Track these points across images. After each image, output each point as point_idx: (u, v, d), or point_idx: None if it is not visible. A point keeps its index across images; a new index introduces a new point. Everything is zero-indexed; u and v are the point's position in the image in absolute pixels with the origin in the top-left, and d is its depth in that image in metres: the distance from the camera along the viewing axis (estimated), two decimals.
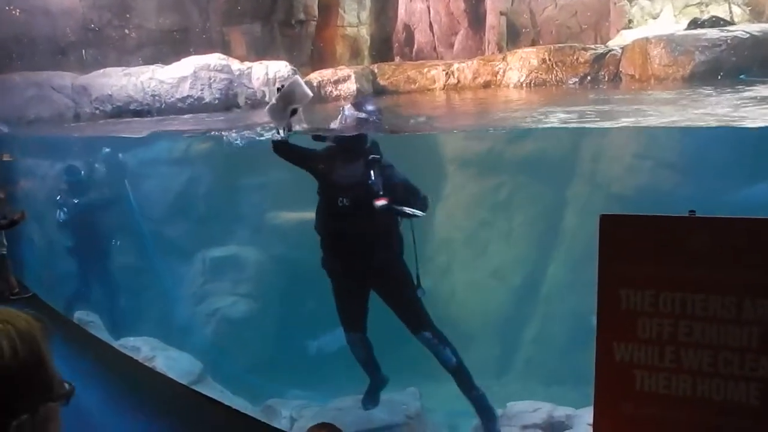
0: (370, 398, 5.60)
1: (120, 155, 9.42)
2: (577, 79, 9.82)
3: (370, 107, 5.06)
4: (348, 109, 5.00)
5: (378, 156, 4.82)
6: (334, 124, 5.11)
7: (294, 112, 4.66)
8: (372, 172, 4.72)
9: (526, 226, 8.48)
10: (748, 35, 8.72)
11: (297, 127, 4.81)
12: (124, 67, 10.12)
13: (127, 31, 11.01)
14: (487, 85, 10.44)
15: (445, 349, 5.16)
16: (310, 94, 4.75)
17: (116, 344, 7.12)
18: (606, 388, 2.13)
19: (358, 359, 5.42)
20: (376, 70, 11.22)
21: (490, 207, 8.69)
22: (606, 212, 2.16)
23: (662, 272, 2.08)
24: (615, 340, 2.12)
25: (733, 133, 6.72)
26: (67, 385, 1.37)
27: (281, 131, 4.79)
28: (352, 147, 4.91)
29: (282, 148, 4.88)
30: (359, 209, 4.75)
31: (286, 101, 4.61)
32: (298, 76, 5.05)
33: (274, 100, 4.67)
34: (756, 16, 10.93)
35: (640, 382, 2.09)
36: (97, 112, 9.85)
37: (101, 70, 10.13)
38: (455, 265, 8.71)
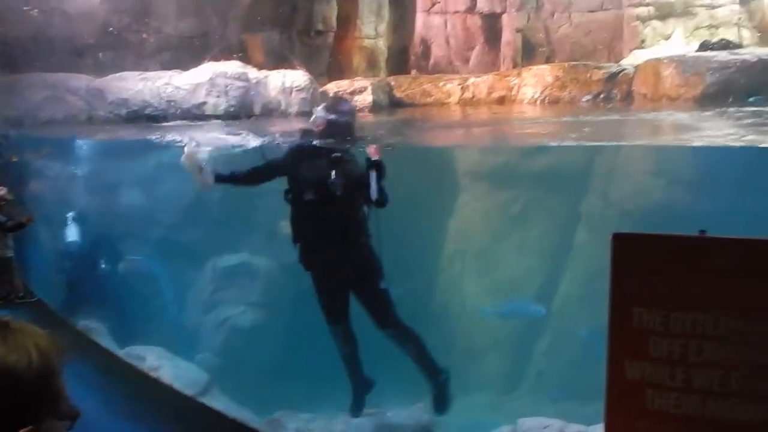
0: (356, 404, 5.72)
1: (133, 160, 9.46)
2: (590, 97, 9.85)
3: (342, 109, 5.38)
4: (319, 111, 5.32)
5: (339, 154, 5.14)
6: (307, 125, 5.50)
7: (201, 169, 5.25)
8: (334, 170, 5.06)
9: (539, 240, 8.48)
10: (756, 58, 8.80)
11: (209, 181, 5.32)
12: (140, 72, 10.17)
13: (145, 35, 11.07)
14: (501, 100, 10.47)
15: (408, 344, 5.46)
16: (200, 161, 5.26)
17: (121, 353, 7.03)
18: (617, 406, 2.14)
19: (341, 355, 5.59)
20: (392, 83, 11.28)
21: (503, 220, 8.70)
22: (618, 229, 2.18)
23: (673, 291, 2.09)
24: (626, 357, 2.13)
25: (743, 153, 6.73)
26: (73, 408, 1.41)
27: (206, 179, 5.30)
28: (316, 147, 5.27)
29: (224, 181, 5.43)
30: (324, 204, 5.11)
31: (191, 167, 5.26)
32: (193, 145, 5.41)
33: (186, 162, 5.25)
34: (765, 39, 10.95)
35: (651, 400, 2.09)
36: (111, 115, 9.89)
37: (117, 74, 10.16)
38: (468, 277, 8.71)
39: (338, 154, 5.14)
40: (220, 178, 5.42)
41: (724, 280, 2.04)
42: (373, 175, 5.00)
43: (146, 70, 10.27)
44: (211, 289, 8.78)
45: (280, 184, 5.52)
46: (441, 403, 5.67)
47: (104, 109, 9.89)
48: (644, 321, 2.11)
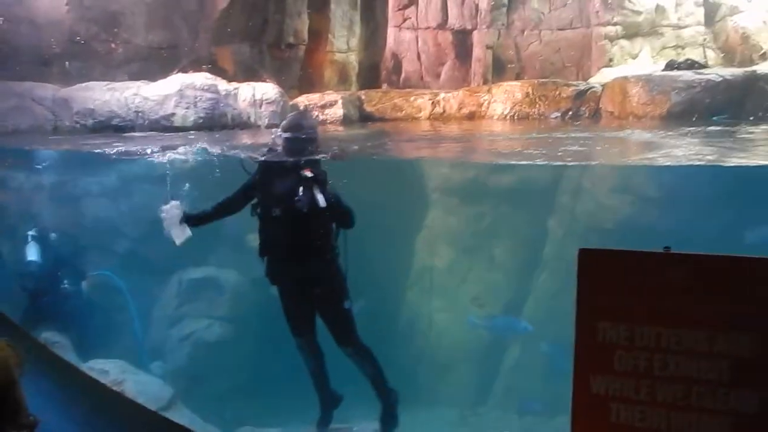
0: (324, 419, 5.74)
1: (98, 171, 9.32)
2: (558, 114, 9.98)
3: (301, 126, 5.44)
4: (277, 131, 5.48)
5: (310, 173, 5.18)
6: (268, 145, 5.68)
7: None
8: (301, 187, 5.13)
9: (507, 255, 8.54)
10: (721, 78, 9.00)
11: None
12: (108, 82, 10.05)
13: (114, 45, 10.93)
14: (471, 116, 10.55)
15: (366, 364, 5.57)
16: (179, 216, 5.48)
17: (84, 366, 6.94)
18: (582, 421, 2.15)
19: (308, 369, 5.63)
20: (363, 97, 11.29)
21: (471, 235, 8.75)
22: (584, 245, 2.19)
23: (638, 306, 2.11)
24: (591, 372, 2.15)
25: (706, 171, 6.87)
26: (32, 418, 1.37)
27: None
28: (283, 164, 5.33)
29: (202, 222, 5.61)
30: (291, 220, 5.18)
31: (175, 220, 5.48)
32: (171, 202, 5.57)
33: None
34: (728, 60, 11.23)
35: (615, 414, 2.11)
36: (78, 126, 9.73)
37: (84, 84, 10.03)
38: (436, 292, 8.73)
39: (307, 173, 5.17)
40: (197, 221, 5.57)
41: (688, 296, 2.07)
42: (316, 189, 5.12)
43: (113, 80, 10.15)
44: (177, 302, 8.68)
45: None
46: (389, 422, 5.72)
47: (70, 119, 9.73)
48: (610, 335, 2.13)
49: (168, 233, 5.54)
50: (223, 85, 9.88)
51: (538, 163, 7.63)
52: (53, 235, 8.64)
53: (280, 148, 5.40)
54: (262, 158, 5.61)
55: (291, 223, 5.20)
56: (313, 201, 5.11)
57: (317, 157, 5.45)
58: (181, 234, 5.50)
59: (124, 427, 5.33)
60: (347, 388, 5.85)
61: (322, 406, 5.72)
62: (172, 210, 5.49)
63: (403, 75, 12.73)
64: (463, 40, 12.28)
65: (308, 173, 5.17)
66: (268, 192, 5.35)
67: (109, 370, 6.87)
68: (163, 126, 9.56)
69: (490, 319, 8.01)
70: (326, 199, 5.13)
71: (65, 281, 8.60)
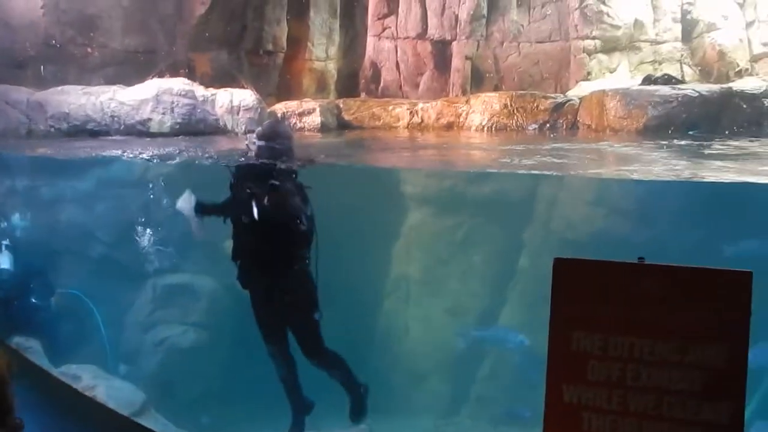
0: (296, 425, 5.74)
1: (73, 175, 9.20)
2: (536, 126, 10.04)
3: (276, 134, 5.47)
4: (252, 137, 5.46)
5: (277, 183, 5.16)
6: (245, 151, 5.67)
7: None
8: (268, 195, 5.13)
9: (482, 266, 8.56)
10: (697, 94, 9.13)
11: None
12: (83, 86, 9.95)
13: (89, 49, 10.84)
14: (450, 126, 10.59)
15: (334, 371, 5.64)
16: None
17: (56, 372, 6.86)
18: (554, 430, 2.15)
19: (279, 376, 5.63)
20: (341, 105, 11.30)
21: (447, 245, 8.76)
22: (560, 256, 2.20)
23: (612, 316, 2.12)
24: (564, 381, 2.15)
25: (680, 185, 6.95)
26: (18, 420, 1.38)
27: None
28: (254, 170, 5.35)
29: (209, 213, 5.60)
30: (260, 227, 5.18)
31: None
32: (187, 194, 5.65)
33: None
34: (705, 76, 11.40)
35: (587, 424, 2.11)
36: (52, 129, 9.63)
37: (59, 87, 9.93)
38: (411, 302, 8.73)
39: (275, 182, 5.16)
40: (205, 209, 5.58)
41: (661, 307, 2.08)
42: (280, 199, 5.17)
43: (89, 84, 10.05)
44: (151, 308, 8.59)
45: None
46: (359, 413, 5.79)
47: (44, 122, 9.62)
48: (583, 345, 2.13)
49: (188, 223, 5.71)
50: (200, 91, 9.83)
51: (515, 172, 7.68)
52: (26, 243, 8.52)
53: (253, 155, 5.37)
54: (235, 164, 5.60)
55: (258, 230, 5.20)
56: (282, 208, 5.12)
57: (292, 167, 5.43)
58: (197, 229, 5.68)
59: (95, 431, 5.28)
60: (321, 395, 5.83)
61: (294, 412, 5.72)
62: (185, 201, 5.59)
63: (381, 84, 12.76)
64: (442, 51, 12.34)
65: (274, 182, 5.15)
66: (239, 197, 5.34)
67: (81, 376, 6.81)
68: (139, 131, 9.49)
69: (484, 331, 8.01)
70: (284, 211, 5.15)
71: (35, 294, 8.49)
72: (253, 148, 5.33)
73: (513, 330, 7.84)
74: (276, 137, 5.37)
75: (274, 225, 5.16)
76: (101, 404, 6.01)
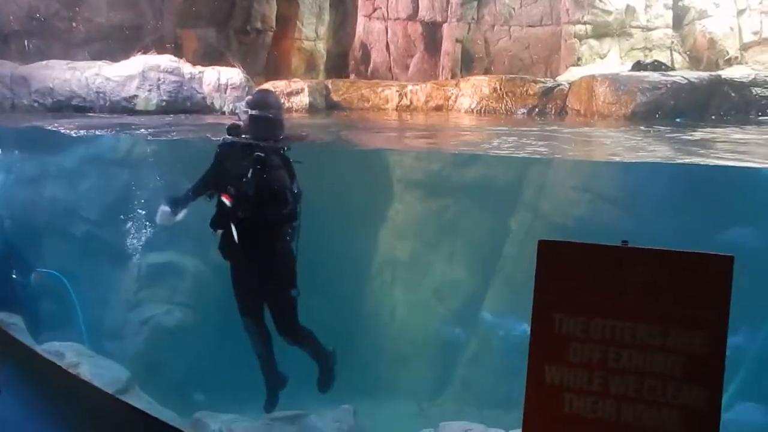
0: (270, 401, 5.72)
1: (57, 151, 9.12)
2: (525, 110, 10.04)
3: (266, 103, 5.32)
4: (243, 106, 5.30)
5: (261, 154, 5.08)
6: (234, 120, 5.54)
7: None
8: (251, 169, 5.05)
9: (469, 249, 8.57)
10: (686, 81, 9.15)
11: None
12: (68, 61, 9.83)
13: (74, 23, 10.70)
14: (439, 108, 10.57)
15: (306, 346, 5.62)
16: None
17: (39, 349, 6.82)
18: (535, 410, 2.16)
19: (255, 351, 5.60)
20: (330, 86, 11.24)
21: (435, 229, 8.76)
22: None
23: (595, 299, 2.12)
24: (546, 363, 2.15)
25: (668, 170, 6.97)
26: None
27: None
28: (244, 144, 5.22)
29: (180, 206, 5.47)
30: (242, 200, 5.12)
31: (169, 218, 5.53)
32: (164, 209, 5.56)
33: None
34: (695, 63, 11.42)
35: (568, 405, 2.12)
36: (36, 104, 9.52)
37: (44, 62, 9.82)
38: (397, 284, 8.74)
39: (260, 154, 5.09)
40: (178, 206, 5.48)
41: (643, 290, 2.08)
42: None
43: (74, 59, 9.94)
44: (137, 287, 8.55)
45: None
46: (327, 382, 5.76)
47: (28, 97, 9.51)
48: (565, 327, 2.13)
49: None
50: (187, 68, 9.76)
51: (500, 154, 7.67)
52: (8, 218, 8.46)
53: (243, 125, 5.25)
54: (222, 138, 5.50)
55: (242, 203, 5.13)
56: (264, 184, 5.07)
57: (281, 141, 5.35)
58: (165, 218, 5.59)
59: (79, 409, 5.24)
60: (305, 375, 5.83)
61: (268, 388, 5.71)
62: (163, 215, 5.55)
63: (371, 65, 12.70)
64: (432, 33, 12.29)
65: (260, 154, 5.08)
66: (223, 171, 5.29)
67: (64, 353, 6.75)
68: (125, 108, 9.41)
69: (503, 319, 7.98)
70: (267, 185, 5.08)
71: (16, 271, 8.44)
72: (244, 117, 5.20)
73: (519, 320, 7.83)
74: (266, 107, 5.25)
75: (257, 199, 5.08)
76: (85, 382, 5.97)
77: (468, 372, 8.04)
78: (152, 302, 8.45)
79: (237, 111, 5.41)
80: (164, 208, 5.48)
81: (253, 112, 5.16)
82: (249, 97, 5.56)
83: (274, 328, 5.58)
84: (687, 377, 2.02)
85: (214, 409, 6.40)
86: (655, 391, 2.03)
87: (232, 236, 5.27)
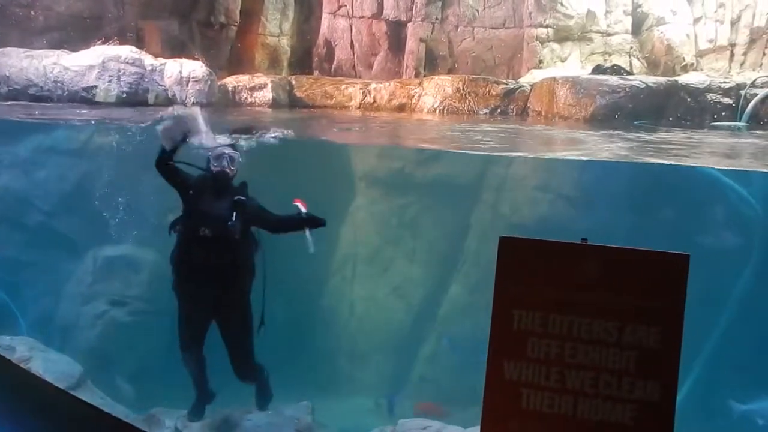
0: (196, 411, 5.73)
1: (10, 140, 8.89)
2: (487, 111, 10.12)
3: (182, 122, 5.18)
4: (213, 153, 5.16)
5: (243, 197, 5.09)
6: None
7: (185, 140, 4.99)
8: (235, 211, 5.02)
9: (430, 247, 8.61)
10: (644, 85, 9.35)
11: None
12: (26, 49, 9.59)
13: (33, 11, 10.44)
14: (402, 107, 10.59)
15: (256, 383, 5.65)
16: (204, 129, 5.11)
17: None
18: (493, 406, 2.17)
19: (189, 374, 5.57)
20: (293, 82, 11.19)
21: (395, 226, 8.78)
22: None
23: (553, 295, 2.15)
24: (505, 358, 2.17)
25: (625, 169, 7.11)
26: None
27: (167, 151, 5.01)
28: (220, 183, 5.14)
29: (165, 165, 5.06)
30: (218, 242, 5.04)
31: (182, 129, 5.00)
32: (199, 109, 5.23)
33: (170, 123, 5.05)
34: (652, 69, 11.66)
35: (526, 400, 2.14)
36: None
37: (0, 49, 9.57)
38: (357, 281, 8.73)
39: (241, 197, 5.07)
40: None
41: (600, 287, 2.12)
42: (307, 231, 5.06)
43: (31, 47, 9.69)
44: (91, 280, 8.37)
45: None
46: (264, 399, 5.79)
47: None
48: (524, 322, 2.15)
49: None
50: (148, 60, 9.59)
51: (461, 152, 7.73)
52: None
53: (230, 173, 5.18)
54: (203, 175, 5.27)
55: (219, 245, 5.06)
56: (244, 226, 5.06)
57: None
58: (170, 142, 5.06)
59: (29, 404, 5.12)
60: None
61: (196, 399, 5.70)
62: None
63: (335, 63, 12.67)
64: (397, 32, 12.31)
65: (242, 198, 5.08)
66: (199, 208, 5.12)
67: (15, 347, 6.63)
68: (83, 98, 9.21)
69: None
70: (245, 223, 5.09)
71: None
72: (227, 161, 5.09)
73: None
74: (227, 162, 5.13)
75: (230, 240, 5.04)
76: (36, 376, 5.84)
77: (427, 368, 8.07)
78: (107, 295, 8.28)
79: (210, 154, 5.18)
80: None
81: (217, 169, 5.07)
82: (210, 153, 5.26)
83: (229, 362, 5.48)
84: (641, 372, 2.06)
85: (170, 406, 6.31)
86: (611, 386, 2.07)
87: (190, 276, 5.20)
